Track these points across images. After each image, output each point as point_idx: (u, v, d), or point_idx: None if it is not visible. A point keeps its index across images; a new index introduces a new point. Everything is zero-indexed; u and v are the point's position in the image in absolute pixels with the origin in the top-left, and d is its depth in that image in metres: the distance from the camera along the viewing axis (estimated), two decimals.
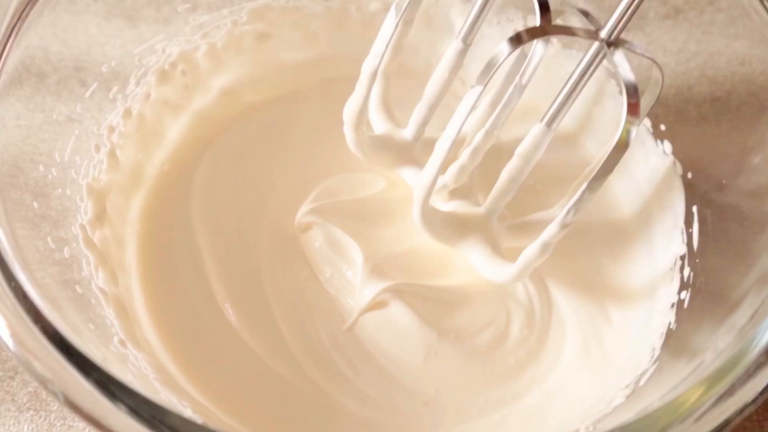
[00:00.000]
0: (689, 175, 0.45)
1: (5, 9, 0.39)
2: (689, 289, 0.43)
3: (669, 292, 0.44)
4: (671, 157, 0.46)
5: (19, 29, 0.40)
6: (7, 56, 0.39)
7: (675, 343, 0.41)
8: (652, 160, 0.47)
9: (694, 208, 0.44)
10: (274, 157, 0.50)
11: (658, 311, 0.44)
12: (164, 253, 0.47)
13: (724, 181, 0.43)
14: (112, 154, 0.46)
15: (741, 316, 0.35)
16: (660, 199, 0.47)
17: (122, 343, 0.39)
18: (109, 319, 0.40)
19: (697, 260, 0.43)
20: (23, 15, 0.40)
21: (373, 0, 0.52)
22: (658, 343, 0.42)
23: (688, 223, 0.44)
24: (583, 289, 0.47)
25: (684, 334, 0.41)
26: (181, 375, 0.42)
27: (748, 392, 0.32)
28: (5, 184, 0.39)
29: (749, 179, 0.42)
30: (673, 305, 0.43)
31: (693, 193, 0.45)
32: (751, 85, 0.42)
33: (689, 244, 0.44)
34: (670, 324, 0.42)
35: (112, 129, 0.46)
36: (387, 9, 0.51)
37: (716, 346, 0.35)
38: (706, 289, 0.42)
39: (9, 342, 0.33)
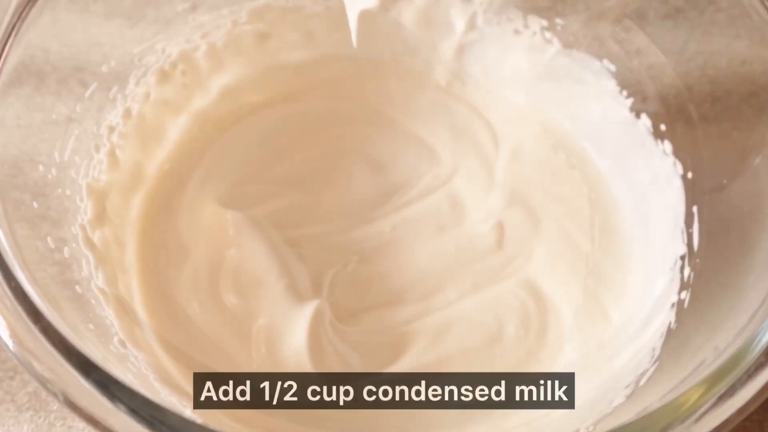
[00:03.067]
0: (689, 175, 0.45)
1: (5, 9, 0.39)
2: (689, 289, 0.42)
3: (669, 292, 0.43)
4: (671, 157, 0.46)
5: (18, 29, 0.40)
6: (6, 56, 0.39)
7: (675, 343, 0.41)
8: (652, 160, 0.47)
9: (695, 209, 0.44)
10: (273, 156, 0.50)
11: (658, 311, 0.43)
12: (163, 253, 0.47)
13: (724, 181, 0.43)
14: (111, 154, 0.46)
15: (741, 316, 0.35)
16: (660, 199, 0.47)
17: (122, 343, 0.39)
18: (108, 319, 0.40)
19: (698, 260, 0.43)
20: (23, 15, 0.40)
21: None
22: (658, 343, 0.41)
23: (689, 223, 0.44)
24: (582, 290, 0.47)
25: (684, 334, 0.41)
26: (180, 375, 0.42)
27: (748, 392, 0.32)
28: (5, 184, 0.39)
29: (750, 180, 0.41)
30: (673, 305, 0.43)
31: (693, 193, 0.45)
32: (752, 85, 0.42)
33: (689, 244, 0.44)
34: (670, 324, 0.42)
35: (111, 129, 0.46)
36: (386, 9, 0.52)
37: (716, 346, 0.35)
38: (706, 289, 0.41)
39: (9, 342, 0.33)
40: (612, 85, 0.49)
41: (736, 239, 0.41)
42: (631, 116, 0.49)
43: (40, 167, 0.42)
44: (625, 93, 0.49)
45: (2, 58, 0.39)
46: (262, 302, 0.45)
